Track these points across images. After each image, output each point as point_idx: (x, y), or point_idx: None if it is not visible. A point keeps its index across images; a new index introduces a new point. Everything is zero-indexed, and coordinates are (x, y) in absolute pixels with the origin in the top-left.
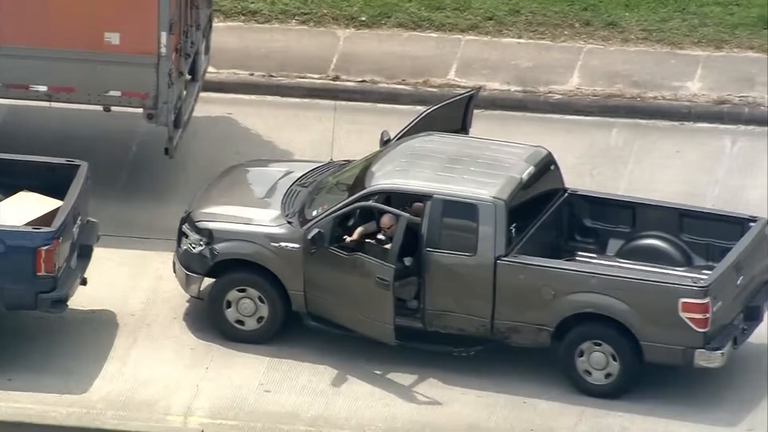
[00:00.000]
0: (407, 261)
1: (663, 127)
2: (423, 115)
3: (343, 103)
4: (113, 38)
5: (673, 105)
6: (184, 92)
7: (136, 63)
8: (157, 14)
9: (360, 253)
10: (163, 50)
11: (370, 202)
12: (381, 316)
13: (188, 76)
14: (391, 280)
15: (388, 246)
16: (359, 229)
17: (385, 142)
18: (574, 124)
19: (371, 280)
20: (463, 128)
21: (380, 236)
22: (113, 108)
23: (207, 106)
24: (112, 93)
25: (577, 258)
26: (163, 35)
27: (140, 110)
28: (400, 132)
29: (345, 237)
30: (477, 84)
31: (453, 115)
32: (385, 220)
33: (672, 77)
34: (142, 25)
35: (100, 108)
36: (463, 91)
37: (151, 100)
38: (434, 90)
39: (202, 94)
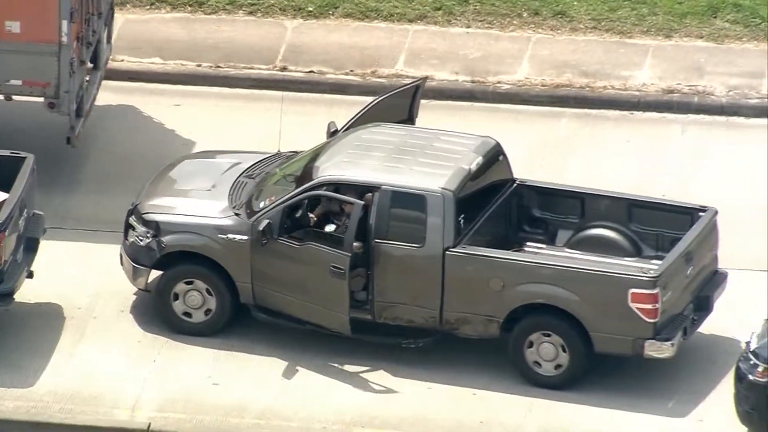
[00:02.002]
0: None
1: (612, 117)
2: (370, 105)
3: (291, 94)
4: (14, 27)
5: (622, 94)
6: (86, 81)
7: (37, 52)
8: (58, 3)
9: (312, 243)
10: (65, 39)
11: (321, 191)
12: (336, 306)
13: (90, 65)
14: (347, 269)
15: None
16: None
17: (332, 133)
18: (523, 114)
19: (325, 270)
20: (409, 118)
21: (328, 228)
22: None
23: (154, 98)
24: (13, 82)
25: (526, 249)
26: (64, 24)
27: (41, 99)
28: (347, 122)
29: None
30: (425, 74)
31: (400, 104)
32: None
33: (621, 66)
34: (42, 14)
35: (40, 99)
36: (410, 81)
37: (53, 89)
38: (382, 81)
39: (148, 86)
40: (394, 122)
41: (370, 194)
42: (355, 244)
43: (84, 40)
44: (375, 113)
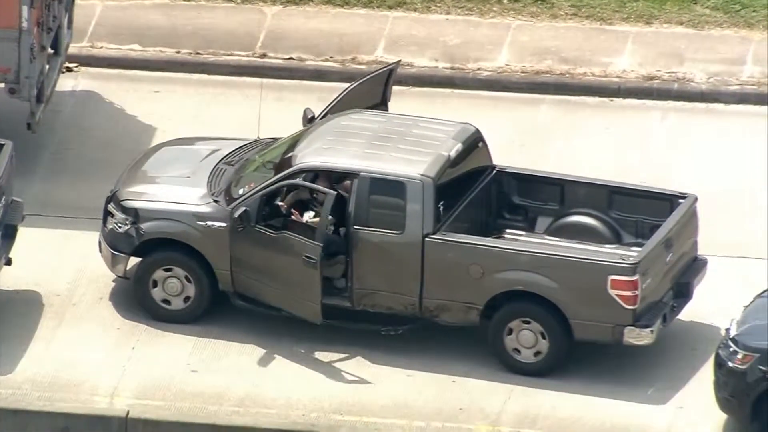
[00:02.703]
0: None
1: (592, 104)
2: (345, 91)
3: (271, 80)
4: None
5: (602, 81)
6: (47, 67)
7: None
8: None
9: (287, 232)
10: (25, 24)
11: (298, 180)
12: (308, 295)
13: (51, 51)
14: (319, 259)
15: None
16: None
17: (309, 120)
18: (502, 100)
19: (298, 259)
20: (383, 102)
21: (306, 217)
22: None
23: (133, 84)
24: None
25: (506, 235)
26: (25, 9)
27: (1, 85)
28: (324, 109)
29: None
30: (404, 60)
31: (373, 89)
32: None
33: (601, 53)
34: (2, 0)
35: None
36: (382, 66)
37: (13, 74)
38: (362, 67)
39: (127, 72)
40: (369, 107)
41: (346, 183)
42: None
43: (44, 26)
44: (350, 99)
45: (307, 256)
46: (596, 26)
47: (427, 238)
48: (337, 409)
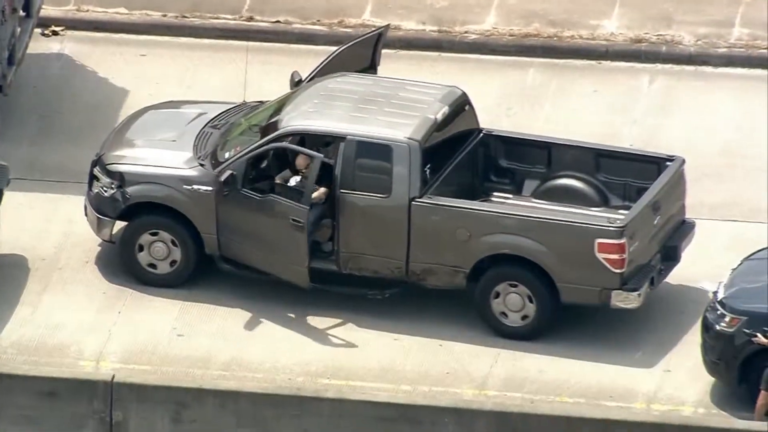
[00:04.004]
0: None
1: (580, 67)
2: (333, 54)
3: (257, 44)
4: None
5: (590, 44)
6: (18, 29)
7: None
8: None
9: (273, 195)
10: None
11: (284, 143)
12: (295, 258)
13: (22, 13)
14: (306, 222)
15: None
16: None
17: (296, 83)
18: (490, 64)
19: (285, 223)
20: (372, 66)
21: (292, 181)
22: None
23: (119, 48)
24: None
25: (493, 199)
26: None
27: None
28: (311, 72)
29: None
30: (391, 24)
31: (362, 53)
32: (300, 161)
33: (589, 16)
34: None
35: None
36: (372, 29)
37: None
38: (349, 30)
39: (113, 36)
40: (358, 71)
41: (331, 147)
42: (314, 194)
43: None
44: (338, 62)
45: (294, 220)
46: None
47: (413, 202)
48: (324, 373)
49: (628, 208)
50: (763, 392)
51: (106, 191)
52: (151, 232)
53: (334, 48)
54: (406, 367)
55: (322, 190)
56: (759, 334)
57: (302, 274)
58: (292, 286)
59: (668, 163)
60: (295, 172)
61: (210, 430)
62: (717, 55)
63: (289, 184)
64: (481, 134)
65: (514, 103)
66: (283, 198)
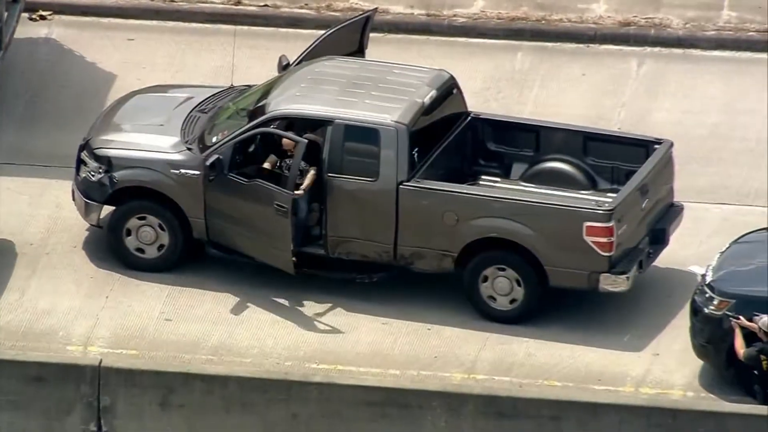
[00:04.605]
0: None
1: (568, 50)
2: (321, 38)
3: (245, 28)
4: None
5: (578, 27)
6: (6, 14)
7: None
8: None
9: (259, 180)
10: None
11: (270, 128)
12: (280, 244)
13: None
14: (290, 207)
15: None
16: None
17: (284, 67)
18: (478, 47)
19: (270, 208)
20: (359, 50)
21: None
22: None
23: (107, 32)
24: None
25: (481, 182)
26: None
27: None
28: (299, 56)
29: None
30: (379, 7)
31: (350, 37)
32: (287, 141)
33: None
34: None
35: None
36: (359, 13)
37: None
38: (337, 14)
39: (101, 20)
40: (345, 55)
41: (317, 131)
42: (296, 192)
43: None
44: (326, 46)
45: (278, 205)
46: None
47: (401, 186)
48: (312, 358)
49: (616, 191)
50: (737, 329)
51: (93, 176)
52: (138, 216)
53: (322, 32)
54: (395, 351)
55: (310, 177)
56: (741, 317)
57: (287, 259)
58: (280, 270)
59: (656, 146)
60: (282, 157)
61: (198, 414)
62: (705, 38)
63: (274, 169)
64: (469, 118)
65: (503, 86)
66: (268, 183)
